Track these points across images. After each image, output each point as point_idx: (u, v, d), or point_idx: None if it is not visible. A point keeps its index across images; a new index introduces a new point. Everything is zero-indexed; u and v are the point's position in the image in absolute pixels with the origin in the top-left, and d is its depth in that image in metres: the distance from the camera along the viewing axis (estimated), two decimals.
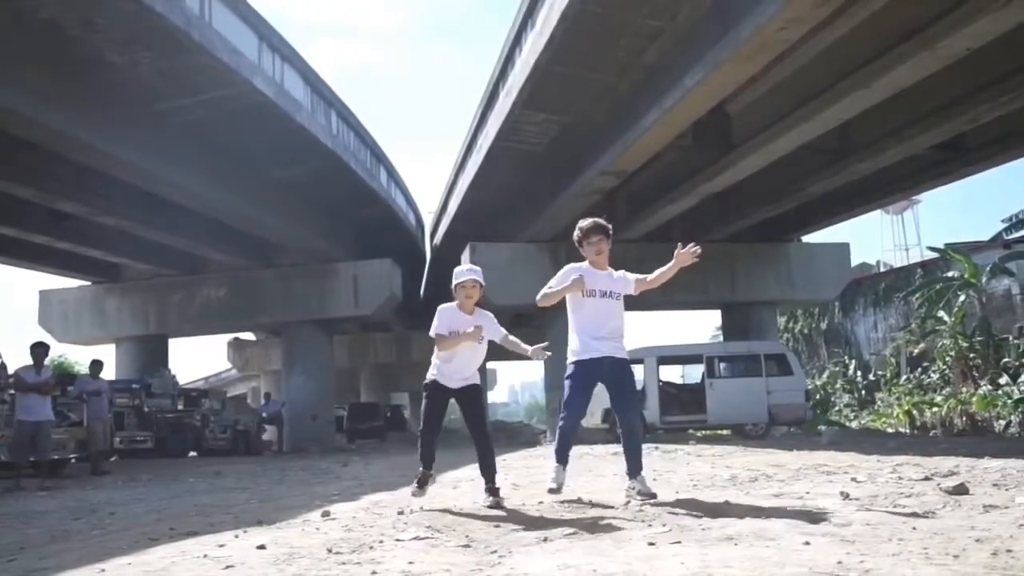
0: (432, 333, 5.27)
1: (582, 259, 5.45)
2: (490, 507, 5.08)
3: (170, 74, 13.89)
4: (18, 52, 12.16)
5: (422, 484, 5.40)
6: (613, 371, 5.29)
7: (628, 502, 5.04)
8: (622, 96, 14.91)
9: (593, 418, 5.57)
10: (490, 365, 48.70)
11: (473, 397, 5.46)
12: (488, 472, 5.30)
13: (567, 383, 5.37)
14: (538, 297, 5.38)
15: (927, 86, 12.59)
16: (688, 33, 12.42)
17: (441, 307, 5.31)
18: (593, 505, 5.05)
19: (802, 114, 13.71)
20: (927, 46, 10.93)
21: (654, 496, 5.11)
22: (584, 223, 5.44)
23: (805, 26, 10.48)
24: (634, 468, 5.28)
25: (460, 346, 5.23)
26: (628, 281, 5.46)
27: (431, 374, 5.41)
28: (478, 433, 5.39)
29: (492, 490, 5.25)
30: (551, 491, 5.31)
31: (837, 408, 26.31)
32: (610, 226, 5.47)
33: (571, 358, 5.36)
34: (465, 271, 5.35)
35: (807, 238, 23.84)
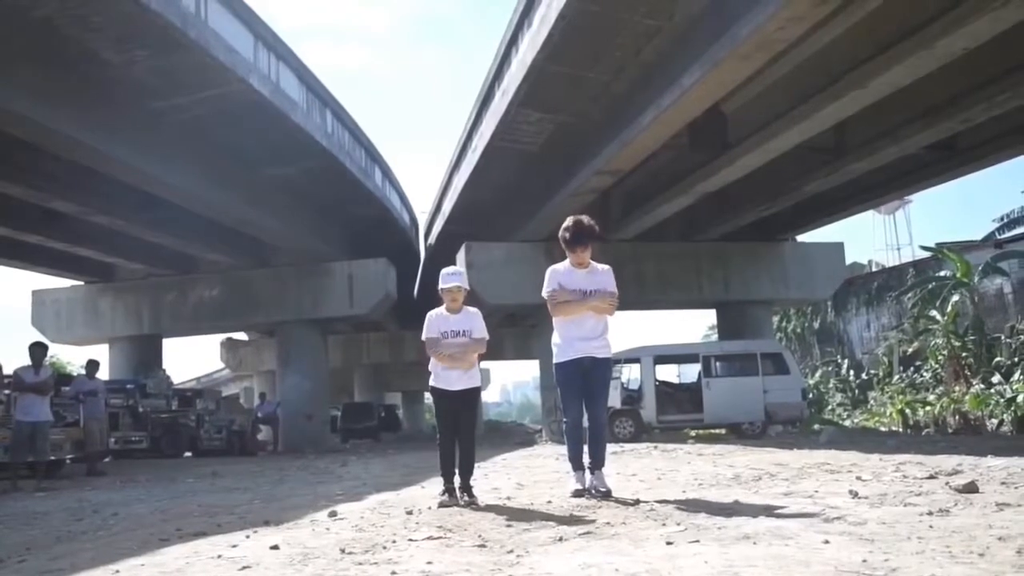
0: (424, 338, 5.55)
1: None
2: (464, 505, 5.24)
3: (165, 73, 13.81)
4: (12, 50, 12.06)
5: (450, 493, 5.44)
6: (591, 369, 5.49)
7: (637, 501, 5.04)
8: (619, 95, 14.90)
9: None
10: (483, 365, 48.54)
11: (471, 400, 5.64)
12: (465, 472, 5.48)
13: (558, 387, 5.68)
14: (553, 310, 5.54)
15: (922, 86, 12.61)
16: (686, 32, 12.41)
17: (429, 313, 5.61)
18: (603, 504, 5.04)
19: (798, 113, 13.73)
20: (925, 45, 10.95)
21: (609, 493, 5.30)
22: (569, 229, 5.49)
23: (804, 25, 10.48)
24: (595, 462, 5.49)
25: (447, 347, 5.45)
26: (607, 282, 5.52)
27: (431, 380, 5.59)
28: (464, 434, 5.59)
29: (466, 488, 5.43)
30: (575, 495, 5.41)
31: (830, 407, 26.39)
32: (597, 228, 5.54)
33: (555, 359, 5.61)
34: (449, 276, 5.58)
35: (801, 237, 23.90)
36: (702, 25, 11.91)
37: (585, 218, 5.55)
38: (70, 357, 36.51)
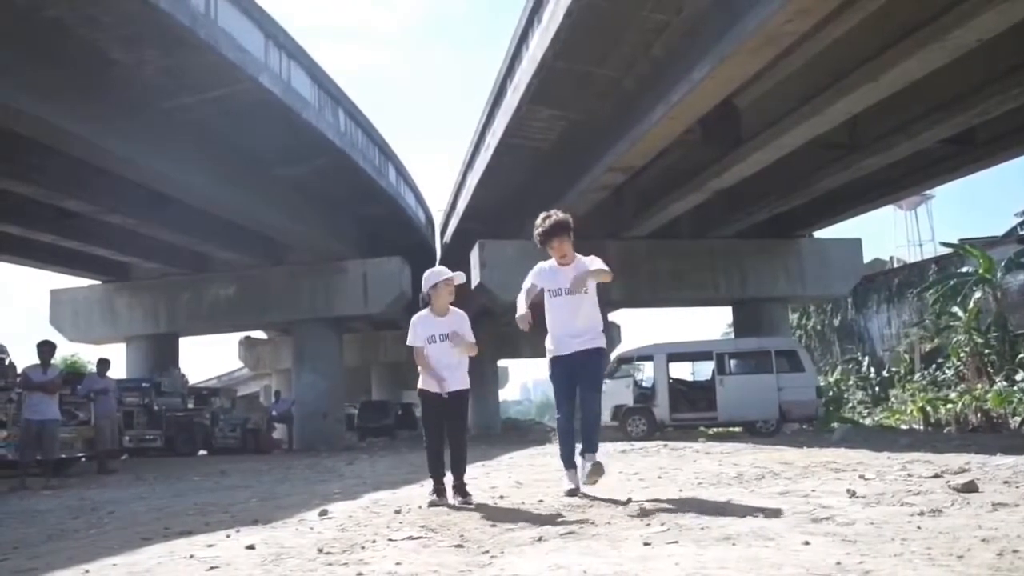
0: (409, 343, 5.45)
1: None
2: (459, 505, 5.15)
3: (175, 72, 13.85)
4: (23, 50, 12.13)
5: (439, 493, 5.38)
6: (582, 360, 5.41)
7: (629, 500, 4.96)
8: (628, 91, 14.79)
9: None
10: (501, 363, 48.46)
11: (459, 402, 5.51)
12: (457, 473, 5.38)
13: (552, 382, 5.60)
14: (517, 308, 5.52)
15: (936, 79, 12.45)
16: (694, 27, 12.31)
17: (414, 317, 5.49)
18: (594, 503, 4.96)
19: (811, 108, 13.59)
20: (936, 38, 10.80)
21: (600, 467, 5.31)
22: (540, 226, 5.41)
23: (812, 18, 10.35)
24: (586, 446, 5.40)
25: (431, 351, 5.35)
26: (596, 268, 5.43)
27: (420, 383, 5.50)
28: (454, 434, 5.52)
29: (459, 488, 5.32)
30: (569, 494, 5.35)
31: (851, 405, 26.08)
32: (569, 220, 5.44)
33: (547, 355, 5.56)
34: (434, 273, 5.48)
35: (818, 233, 23.65)
36: (710, 19, 11.81)
37: (555, 212, 5.46)
38: (90, 356, 36.79)
